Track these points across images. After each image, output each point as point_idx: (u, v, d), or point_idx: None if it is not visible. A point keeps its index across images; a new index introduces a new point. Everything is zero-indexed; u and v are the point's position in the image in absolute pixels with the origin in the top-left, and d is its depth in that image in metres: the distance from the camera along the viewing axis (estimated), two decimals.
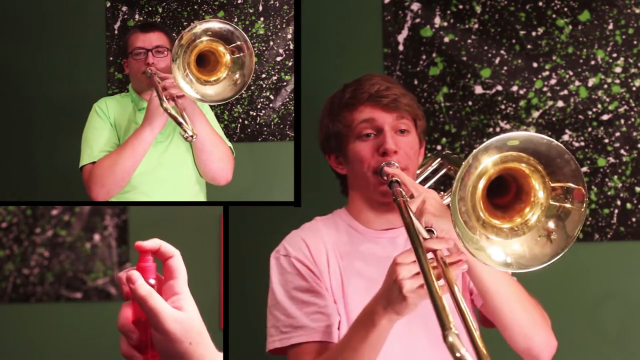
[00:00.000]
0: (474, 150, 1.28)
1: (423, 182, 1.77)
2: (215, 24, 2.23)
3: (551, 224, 1.35)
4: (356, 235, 1.69)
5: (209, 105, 2.52)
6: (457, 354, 1.12)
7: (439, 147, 2.83)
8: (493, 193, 1.37)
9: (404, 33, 2.86)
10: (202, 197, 2.47)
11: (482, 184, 1.34)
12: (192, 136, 2.14)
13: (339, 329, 1.60)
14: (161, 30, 2.46)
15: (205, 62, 2.28)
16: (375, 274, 1.58)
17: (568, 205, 1.33)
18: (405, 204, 1.45)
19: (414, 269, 1.30)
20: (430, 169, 1.82)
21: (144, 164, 2.33)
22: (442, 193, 1.61)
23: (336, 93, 1.75)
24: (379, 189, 1.64)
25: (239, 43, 2.24)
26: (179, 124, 2.16)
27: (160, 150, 2.38)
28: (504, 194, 1.40)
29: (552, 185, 1.34)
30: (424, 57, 2.85)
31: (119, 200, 2.37)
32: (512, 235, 1.35)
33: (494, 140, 1.28)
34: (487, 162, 1.31)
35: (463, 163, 1.29)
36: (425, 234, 1.36)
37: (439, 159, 1.82)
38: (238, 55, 2.25)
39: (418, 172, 1.75)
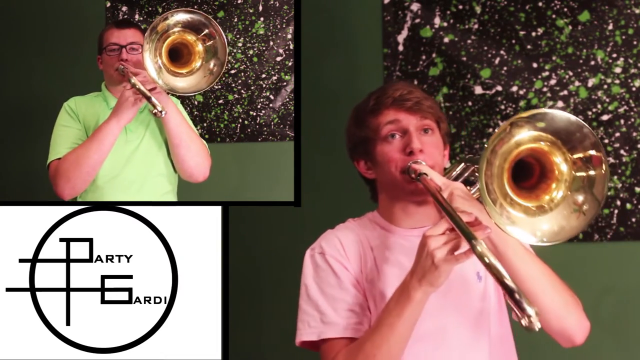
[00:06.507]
0: (509, 120, 1.36)
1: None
2: (184, 15, 2.23)
3: (580, 197, 1.40)
4: (387, 233, 1.76)
5: (203, 105, 2.53)
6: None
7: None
8: (518, 178, 1.43)
9: (404, 33, 2.87)
10: (172, 197, 2.45)
11: (507, 164, 1.39)
12: (161, 111, 2.16)
13: (370, 326, 1.66)
14: (136, 28, 2.44)
15: (178, 56, 2.27)
16: (405, 262, 1.65)
17: (592, 173, 1.38)
18: (423, 174, 1.60)
19: (443, 239, 1.41)
20: (456, 173, 1.88)
21: (111, 165, 2.31)
22: (469, 187, 1.66)
23: (360, 102, 1.82)
24: (407, 188, 1.70)
25: (207, 31, 2.23)
26: (147, 98, 2.17)
27: (130, 150, 2.36)
28: (528, 177, 1.45)
29: (573, 158, 1.39)
30: (423, 57, 2.85)
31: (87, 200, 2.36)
32: (541, 213, 1.41)
33: (525, 115, 1.36)
34: (511, 141, 1.37)
35: (497, 131, 1.36)
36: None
37: (463, 164, 1.88)
38: (209, 43, 2.24)
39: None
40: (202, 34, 2.24)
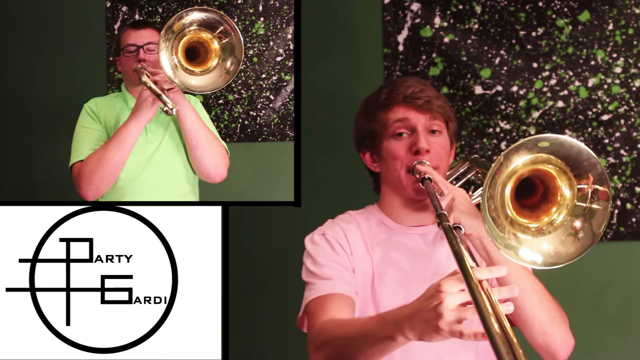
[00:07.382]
0: (506, 150, 1.34)
1: (451, 184, 1.82)
2: (198, 14, 2.24)
3: (578, 223, 1.41)
4: (387, 229, 1.75)
5: (202, 104, 2.53)
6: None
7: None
8: (521, 194, 1.42)
9: (404, 33, 2.87)
10: (193, 198, 2.45)
11: (511, 183, 1.39)
12: (171, 109, 2.16)
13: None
14: (153, 28, 2.44)
15: (195, 55, 2.27)
16: (407, 265, 1.66)
17: (595, 206, 1.39)
18: (452, 231, 1.41)
19: (459, 300, 1.22)
20: (460, 170, 1.88)
21: (132, 167, 2.32)
22: (470, 193, 1.66)
23: (372, 94, 1.81)
24: (411, 187, 1.70)
25: (222, 28, 2.24)
26: (158, 95, 2.18)
27: (150, 151, 2.36)
28: (532, 195, 1.45)
29: (579, 186, 1.39)
30: (424, 57, 2.85)
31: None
32: (539, 234, 1.41)
33: (525, 140, 1.34)
34: (517, 162, 1.36)
35: (494, 161, 1.34)
36: (472, 262, 1.26)
37: (468, 163, 1.87)
38: (226, 40, 2.25)
39: (447, 174, 1.80)
40: (218, 32, 2.25)
